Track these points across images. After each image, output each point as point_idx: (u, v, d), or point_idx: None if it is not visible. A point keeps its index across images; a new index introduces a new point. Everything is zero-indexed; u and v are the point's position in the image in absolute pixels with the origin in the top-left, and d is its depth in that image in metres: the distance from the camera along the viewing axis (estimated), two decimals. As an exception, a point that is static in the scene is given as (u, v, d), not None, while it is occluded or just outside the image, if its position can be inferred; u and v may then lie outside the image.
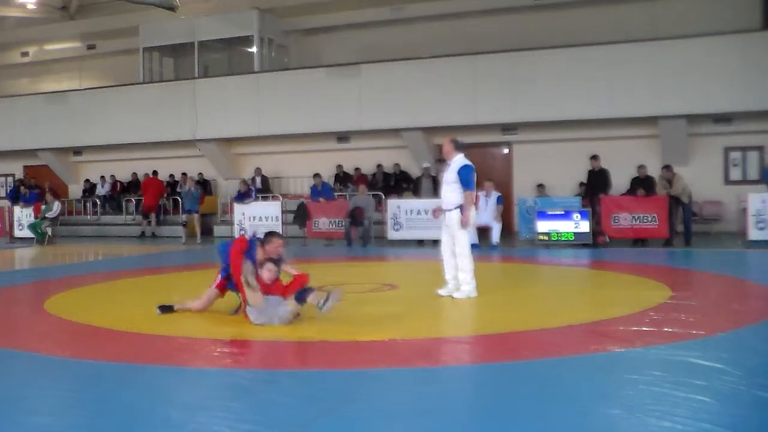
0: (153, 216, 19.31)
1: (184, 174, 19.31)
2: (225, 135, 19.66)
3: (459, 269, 7.44)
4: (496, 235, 13.65)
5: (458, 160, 7.46)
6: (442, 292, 7.59)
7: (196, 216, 17.19)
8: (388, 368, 4.75)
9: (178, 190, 19.15)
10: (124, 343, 5.66)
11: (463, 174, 7.32)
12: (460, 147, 7.57)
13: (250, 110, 19.02)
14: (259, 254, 6.34)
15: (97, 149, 21.62)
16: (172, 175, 20.49)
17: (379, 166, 18.29)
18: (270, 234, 6.70)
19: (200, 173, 20.15)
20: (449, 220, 7.47)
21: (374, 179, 18.20)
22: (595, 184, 14.11)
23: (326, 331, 5.85)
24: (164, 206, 20.10)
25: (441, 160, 16.42)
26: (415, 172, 17.44)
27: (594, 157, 14.25)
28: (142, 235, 19.15)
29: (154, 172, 20.19)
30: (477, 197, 7.97)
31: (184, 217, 17.49)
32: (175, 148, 20.59)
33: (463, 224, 7.35)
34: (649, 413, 3.61)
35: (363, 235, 14.88)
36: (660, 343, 5.16)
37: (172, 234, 18.71)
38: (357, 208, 15.01)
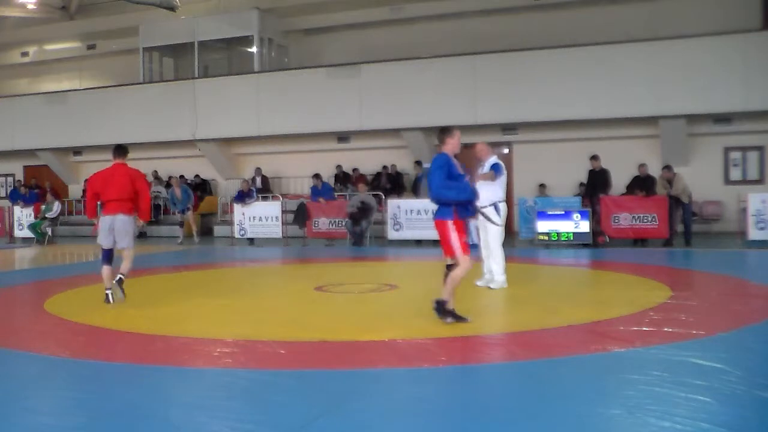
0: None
1: (181, 177, 19.25)
2: (225, 135, 19.65)
3: (493, 261, 8.16)
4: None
5: (492, 159, 8.33)
6: (479, 282, 8.28)
7: (189, 213, 17.12)
8: (388, 368, 4.76)
9: (165, 195, 19.05)
10: (124, 343, 5.66)
11: (494, 167, 8.21)
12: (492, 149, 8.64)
13: (250, 110, 19.01)
14: (448, 147, 6.28)
15: (97, 149, 21.51)
16: (170, 177, 20.43)
17: (384, 167, 18.13)
18: (449, 128, 6.36)
19: (197, 174, 20.11)
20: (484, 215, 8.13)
21: (377, 179, 18.11)
22: (596, 184, 14.11)
23: (326, 331, 5.86)
24: (165, 206, 20.07)
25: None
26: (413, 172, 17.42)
27: (594, 157, 14.24)
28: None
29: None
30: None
31: (179, 216, 17.48)
32: (175, 148, 20.58)
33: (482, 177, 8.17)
34: (649, 413, 3.61)
35: (359, 235, 14.91)
36: (660, 343, 5.16)
37: (171, 234, 18.69)
38: (359, 209, 14.99)
